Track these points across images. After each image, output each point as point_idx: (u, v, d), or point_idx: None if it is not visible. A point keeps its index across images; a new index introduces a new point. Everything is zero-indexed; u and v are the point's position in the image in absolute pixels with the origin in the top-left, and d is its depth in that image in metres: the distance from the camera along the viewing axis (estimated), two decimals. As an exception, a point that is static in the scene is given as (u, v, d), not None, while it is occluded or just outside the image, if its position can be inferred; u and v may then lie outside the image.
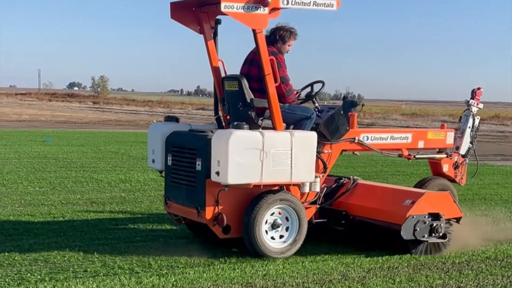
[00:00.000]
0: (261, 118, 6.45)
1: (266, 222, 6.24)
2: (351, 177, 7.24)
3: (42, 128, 27.73)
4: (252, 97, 6.45)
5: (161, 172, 6.92)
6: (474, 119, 8.19)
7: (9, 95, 78.63)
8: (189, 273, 5.59)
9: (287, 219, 6.37)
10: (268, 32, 6.77)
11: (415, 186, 7.88)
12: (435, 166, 8.04)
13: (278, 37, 6.77)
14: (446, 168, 7.94)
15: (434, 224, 6.52)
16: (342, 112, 6.89)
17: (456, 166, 8.00)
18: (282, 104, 6.52)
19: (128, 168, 13.34)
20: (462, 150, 8.09)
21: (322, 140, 6.76)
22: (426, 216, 6.50)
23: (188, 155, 6.41)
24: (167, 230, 7.55)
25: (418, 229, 6.44)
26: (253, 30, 6.13)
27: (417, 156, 7.72)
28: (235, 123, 6.17)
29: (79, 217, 8.16)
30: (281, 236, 6.34)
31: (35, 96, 75.10)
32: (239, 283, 5.39)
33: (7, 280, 5.19)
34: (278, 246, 6.30)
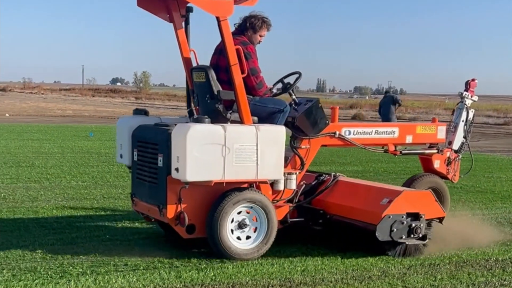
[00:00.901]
0: (230, 112, 6.07)
1: (232, 222, 5.91)
2: (332, 173, 6.86)
3: (85, 123, 28.17)
4: (220, 88, 6.10)
5: (129, 167, 6.62)
6: (468, 112, 7.80)
7: (53, 90, 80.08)
8: (227, 268, 5.60)
9: (255, 219, 6.04)
10: (240, 20, 6.49)
11: (404, 184, 7.53)
12: (426, 163, 7.67)
13: (249, 26, 6.43)
14: (437, 164, 7.57)
15: (413, 225, 6.11)
16: (320, 105, 6.51)
17: (448, 162, 7.64)
18: (252, 97, 6.25)
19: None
20: (455, 145, 7.74)
21: (300, 134, 6.44)
22: (404, 216, 6.09)
23: (151, 150, 6.09)
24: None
25: (395, 229, 6.04)
26: (217, 18, 5.79)
27: (403, 151, 7.38)
28: (195, 116, 5.91)
29: (121, 211, 8.25)
30: (248, 237, 6.00)
31: (78, 92, 76.31)
32: (277, 279, 5.38)
33: (49, 273, 5.27)
34: (245, 247, 5.95)
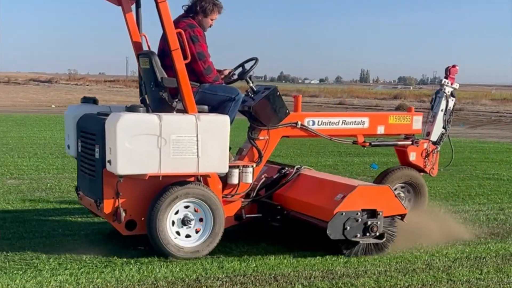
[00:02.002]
0: (176, 100, 5.68)
1: (174, 218, 5.57)
2: (296, 166, 6.48)
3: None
4: (164, 75, 5.71)
5: (77, 159, 6.26)
6: (448, 101, 7.26)
7: (98, 82, 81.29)
8: (269, 259, 5.60)
9: (201, 215, 5.67)
10: (190, 2, 6.18)
11: (376, 178, 7.10)
12: (402, 155, 7.17)
13: (199, 10, 6.07)
14: (413, 156, 7.07)
15: (369, 222, 5.64)
16: (278, 93, 6.14)
17: (426, 154, 7.13)
18: (201, 84, 5.95)
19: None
20: (433, 136, 7.21)
21: (258, 125, 6.11)
22: (359, 213, 5.62)
23: (89, 141, 5.75)
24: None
25: (348, 227, 5.56)
26: (155, 0, 5.49)
27: (373, 143, 6.98)
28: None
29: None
30: (192, 234, 5.63)
31: (122, 83, 77.19)
32: (320, 270, 5.35)
33: (94, 262, 5.35)
34: (189, 245, 5.58)
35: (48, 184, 9.22)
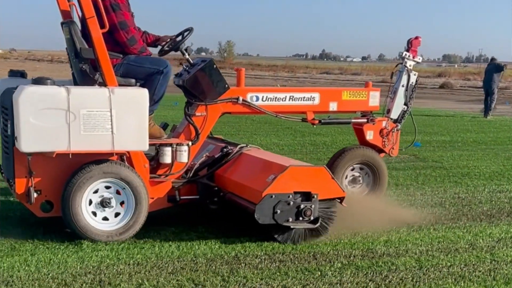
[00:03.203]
0: (98, 72, 5.33)
1: (91, 199, 5.24)
2: (240, 145, 6.10)
3: (171, 93, 28.59)
4: (84, 45, 5.32)
5: None
6: (409, 76, 6.75)
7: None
8: (309, 237, 5.56)
9: (122, 197, 5.33)
10: None
11: (331, 158, 6.69)
12: (359, 134, 6.71)
13: None
14: (370, 135, 6.62)
15: (302, 206, 5.22)
16: (215, 66, 5.73)
17: (385, 133, 6.65)
18: (125, 56, 5.61)
19: (252, 132, 13.47)
20: (394, 114, 6.75)
21: (194, 100, 5.74)
22: (291, 196, 5.21)
23: (5, 116, 5.41)
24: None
25: (278, 211, 5.15)
26: None
27: (324, 121, 6.51)
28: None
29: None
30: (112, 216, 5.32)
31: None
32: (360, 249, 5.30)
33: (134, 238, 5.39)
34: (108, 228, 5.26)
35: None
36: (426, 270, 4.83)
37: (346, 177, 6.59)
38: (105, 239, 5.23)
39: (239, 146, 6.06)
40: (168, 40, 5.98)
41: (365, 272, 4.74)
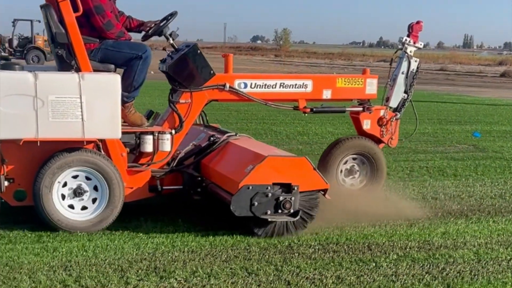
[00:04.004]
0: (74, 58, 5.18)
1: (63, 188, 5.11)
2: (228, 133, 5.85)
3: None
4: (60, 30, 5.17)
5: None
6: (409, 62, 6.41)
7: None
8: (363, 228, 5.50)
9: (95, 186, 5.19)
10: None
11: (327, 148, 6.43)
12: (356, 123, 6.40)
13: None
14: (367, 125, 6.30)
15: (281, 198, 5.00)
16: (199, 52, 5.52)
17: (384, 122, 6.32)
18: (103, 41, 5.43)
19: (307, 120, 13.39)
20: (393, 102, 6.41)
21: (178, 87, 5.56)
22: (270, 187, 4.99)
23: None
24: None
25: (256, 203, 4.93)
26: None
27: (316, 109, 6.21)
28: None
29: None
30: (85, 207, 5.18)
31: (220, 50, 78.02)
32: (416, 241, 5.20)
33: (188, 225, 5.44)
34: (80, 219, 5.12)
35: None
36: (484, 263, 4.72)
37: (341, 169, 6.33)
38: (80, 229, 5.11)
39: (226, 135, 5.81)
40: (153, 25, 5.81)
41: (421, 264, 4.65)
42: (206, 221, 5.59)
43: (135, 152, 5.60)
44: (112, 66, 5.40)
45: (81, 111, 4.93)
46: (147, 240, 5.02)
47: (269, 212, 5.01)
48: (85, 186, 5.17)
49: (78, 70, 5.13)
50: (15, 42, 31.32)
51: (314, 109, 6.18)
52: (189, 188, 5.61)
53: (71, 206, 5.17)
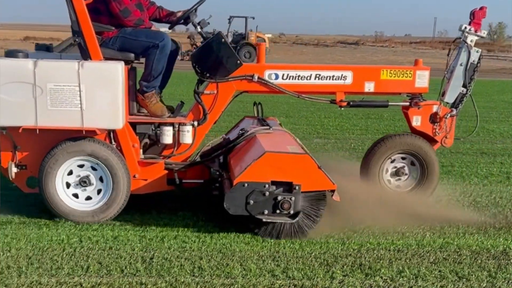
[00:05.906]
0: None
1: (68, 177, 5.09)
2: (262, 127, 5.48)
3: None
4: (75, 18, 5.10)
5: None
6: (469, 53, 5.64)
7: (403, 44, 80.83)
8: (389, 234, 5.10)
9: (101, 177, 5.12)
10: None
11: (373, 144, 5.85)
12: (407, 119, 5.80)
13: None
14: (417, 121, 5.73)
15: (280, 198, 4.64)
16: (223, 40, 5.23)
17: (437, 119, 5.68)
18: (121, 29, 5.26)
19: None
20: (449, 97, 5.72)
21: (203, 77, 5.32)
22: (267, 186, 4.63)
23: None
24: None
25: (251, 202, 4.63)
26: None
27: (354, 103, 5.67)
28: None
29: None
30: (90, 197, 5.14)
31: (428, 45, 75.74)
32: (444, 250, 4.79)
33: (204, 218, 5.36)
34: (84, 209, 5.10)
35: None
36: None
37: (386, 168, 5.83)
38: (83, 219, 5.12)
39: (255, 129, 5.49)
40: (183, 13, 5.68)
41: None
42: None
43: (158, 144, 5.56)
44: (132, 55, 5.36)
45: (80, 100, 4.92)
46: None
47: (266, 212, 4.75)
48: (92, 177, 5.18)
49: (109, 59, 5.18)
50: (229, 38, 32.80)
51: (351, 103, 5.74)
52: (208, 182, 5.48)
53: (76, 195, 5.19)
